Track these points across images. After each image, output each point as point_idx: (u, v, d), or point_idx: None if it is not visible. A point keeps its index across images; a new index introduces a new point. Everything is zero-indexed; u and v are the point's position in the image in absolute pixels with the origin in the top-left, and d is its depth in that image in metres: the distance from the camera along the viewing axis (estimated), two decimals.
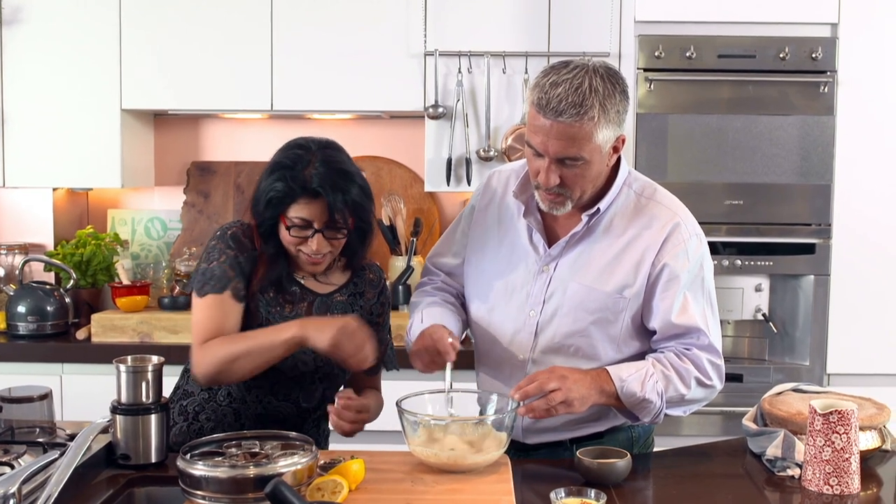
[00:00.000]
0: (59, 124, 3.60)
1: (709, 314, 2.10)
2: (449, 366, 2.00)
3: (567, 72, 1.93)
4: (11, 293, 3.52)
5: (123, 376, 1.98)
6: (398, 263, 3.72)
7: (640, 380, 2.01)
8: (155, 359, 2.02)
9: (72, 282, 3.55)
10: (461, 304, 2.27)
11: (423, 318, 2.14)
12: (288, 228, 2.02)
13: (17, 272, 3.60)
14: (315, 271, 2.12)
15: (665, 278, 2.05)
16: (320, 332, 1.92)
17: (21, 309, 3.46)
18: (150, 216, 3.98)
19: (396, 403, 1.93)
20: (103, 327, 3.40)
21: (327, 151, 2.05)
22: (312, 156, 2.03)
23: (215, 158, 4.00)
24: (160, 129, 4.01)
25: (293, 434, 1.86)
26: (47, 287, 3.55)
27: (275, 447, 1.82)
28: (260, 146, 3.97)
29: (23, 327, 3.46)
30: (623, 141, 2.02)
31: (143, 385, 1.98)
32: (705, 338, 2.07)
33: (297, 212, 2.01)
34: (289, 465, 1.70)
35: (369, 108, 3.60)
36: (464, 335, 2.22)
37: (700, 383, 2.07)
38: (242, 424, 2.14)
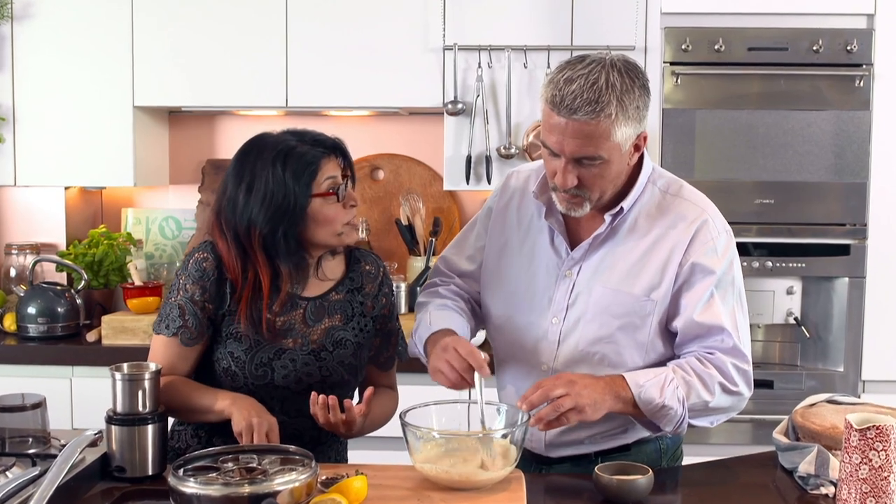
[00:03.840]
0: (70, 122, 3.54)
1: (739, 315, 1.99)
2: (480, 381, 1.88)
3: (582, 67, 1.84)
4: (22, 294, 3.46)
5: (119, 384, 1.90)
6: (416, 264, 3.63)
7: (660, 385, 1.89)
8: (153, 366, 1.94)
9: (83, 282, 3.48)
10: (471, 309, 2.17)
11: (433, 320, 2.04)
12: (335, 193, 1.97)
13: (27, 273, 3.54)
14: (353, 240, 2.04)
15: (693, 277, 1.95)
16: (237, 415, 1.90)
17: (31, 310, 3.40)
18: (165, 215, 3.91)
19: (400, 416, 1.82)
20: (114, 329, 3.33)
21: (285, 132, 2.04)
22: (271, 137, 2.01)
23: (230, 156, 3.87)
24: (175, 126, 3.94)
25: (292, 448, 1.77)
26: (58, 288, 3.49)
27: (273, 462, 1.72)
28: None
29: (33, 329, 3.40)
30: (645, 138, 1.93)
31: (140, 394, 1.90)
32: (730, 339, 1.96)
33: (325, 173, 1.97)
34: (286, 482, 1.60)
35: (386, 104, 3.51)
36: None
37: (725, 390, 1.95)
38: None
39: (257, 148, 2.01)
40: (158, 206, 3.96)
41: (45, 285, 3.49)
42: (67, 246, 3.69)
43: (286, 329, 2.02)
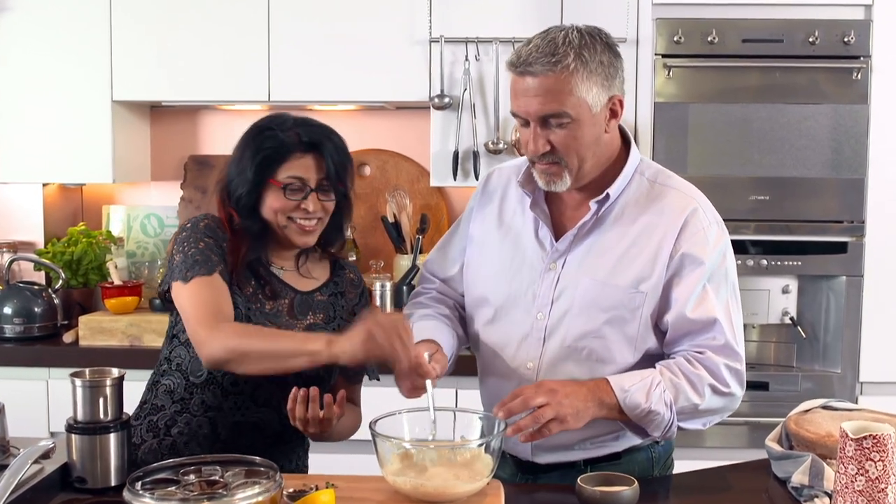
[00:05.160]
0: (48, 117, 3.46)
1: (733, 310, 1.92)
2: (430, 386, 1.81)
3: (543, 32, 1.86)
4: None
5: (79, 391, 1.83)
6: (403, 262, 3.55)
7: (646, 389, 1.82)
8: (115, 372, 1.86)
9: (61, 282, 3.40)
10: (458, 315, 2.10)
11: (414, 332, 1.96)
12: (283, 189, 1.97)
13: (3, 272, 3.45)
14: (306, 243, 2.04)
15: (683, 269, 1.88)
16: (349, 342, 1.78)
17: (7, 310, 3.32)
18: (147, 212, 3.82)
19: (370, 426, 1.73)
20: (91, 330, 3.25)
21: (301, 117, 2.05)
22: (289, 118, 2.03)
23: (213, 152, 3.85)
24: (157, 121, 3.86)
25: (258, 459, 1.68)
26: (35, 287, 3.41)
27: (237, 474, 1.64)
28: None
29: (9, 329, 3.32)
30: (621, 103, 1.88)
31: (101, 401, 1.82)
32: (722, 336, 1.88)
33: (289, 170, 1.98)
34: (247, 497, 1.52)
35: (371, 98, 3.44)
36: (457, 351, 2.04)
37: (716, 391, 1.87)
38: (218, 435, 2.00)
39: (254, 124, 2.07)
40: (140, 202, 3.87)
41: (21, 285, 3.42)
42: (46, 244, 3.60)
43: (273, 315, 2.01)
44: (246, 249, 2.01)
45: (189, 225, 2.03)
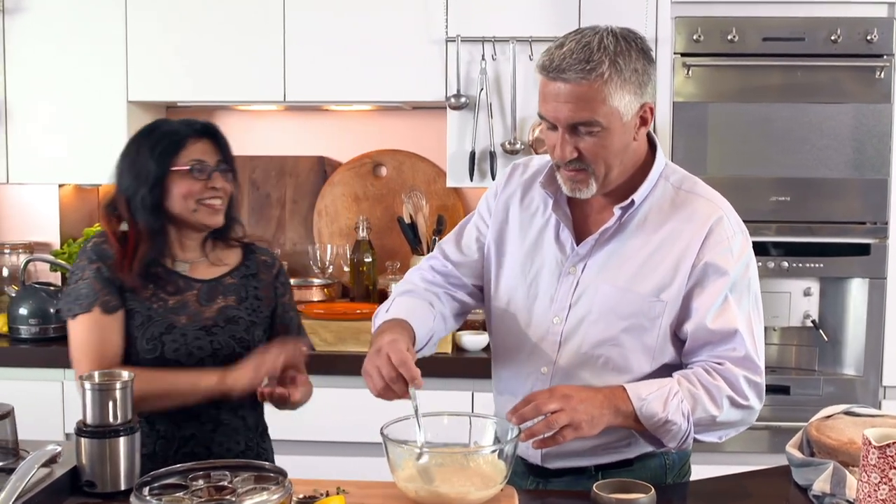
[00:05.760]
0: (64, 117, 3.46)
1: (755, 322, 1.87)
2: (415, 393, 1.73)
3: (575, 33, 1.79)
4: (13, 294, 3.37)
5: (88, 394, 1.80)
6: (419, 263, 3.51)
7: (663, 399, 1.78)
8: (125, 374, 1.84)
9: None
10: (454, 299, 2.06)
11: (391, 307, 1.96)
12: (190, 171, 2.07)
13: (20, 273, 3.45)
14: (217, 222, 2.13)
15: (706, 278, 1.83)
16: (239, 375, 2.02)
17: (23, 311, 3.31)
18: None
19: (381, 431, 1.69)
20: None
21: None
22: (170, 119, 2.19)
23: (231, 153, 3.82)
24: None
25: (268, 465, 1.66)
26: (51, 288, 3.40)
27: (246, 479, 1.62)
28: (275, 140, 3.83)
29: (24, 330, 3.31)
30: (651, 111, 1.83)
31: (111, 404, 1.80)
32: (742, 348, 1.84)
33: (189, 155, 2.08)
34: (256, 503, 1.49)
35: (387, 98, 3.41)
36: (436, 334, 1.98)
37: (734, 403, 1.83)
38: (158, 431, 2.10)
39: (145, 126, 2.18)
40: None
41: (37, 286, 3.40)
42: (62, 245, 3.61)
43: (178, 307, 2.10)
44: (145, 251, 2.10)
45: (81, 249, 2.14)
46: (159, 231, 2.11)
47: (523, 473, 1.99)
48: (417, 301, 1.99)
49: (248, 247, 2.26)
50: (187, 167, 2.07)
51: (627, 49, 1.76)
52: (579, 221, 1.94)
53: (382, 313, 1.96)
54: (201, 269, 2.17)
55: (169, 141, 2.08)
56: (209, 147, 2.12)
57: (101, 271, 2.08)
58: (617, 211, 1.86)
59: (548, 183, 1.93)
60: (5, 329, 3.37)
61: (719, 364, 1.84)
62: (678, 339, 1.89)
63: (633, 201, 1.85)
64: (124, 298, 2.09)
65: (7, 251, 3.57)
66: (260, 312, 2.19)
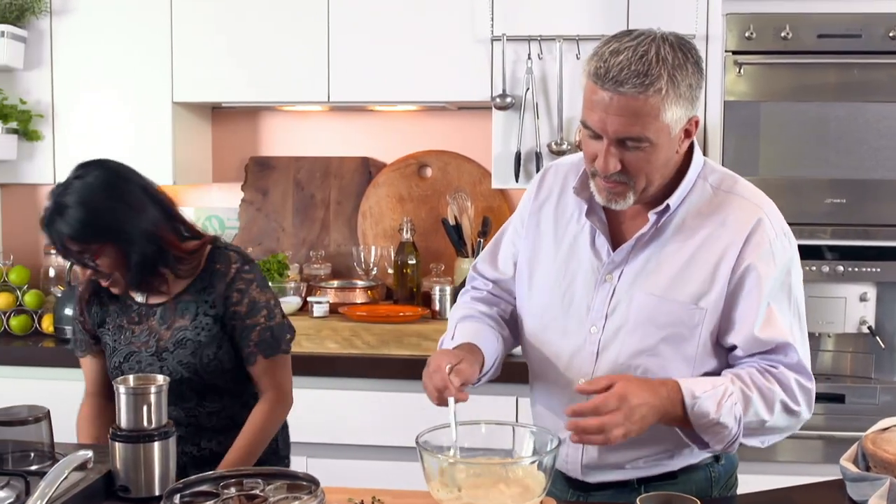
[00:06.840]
0: (109, 118, 3.46)
1: (796, 329, 1.80)
2: (452, 403, 1.70)
3: (630, 39, 1.67)
4: (59, 295, 3.38)
5: (123, 398, 1.80)
6: (464, 266, 3.47)
7: (717, 399, 1.69)
8: (160, 379, 1.82)
9: None
10: (507, 317, 2.01)
11: (456, 333, 1.90)
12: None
13: (65, 272, 3.46)
14: (121, 293, 2.19)
15: (748, 283, 1.75)
16: None
17: (68, 312, 3.32)
18: (208, 214, 3.82)
19: (416, 440, 1.65)
20: None
21: (70, 182, 2.10)
22: (53, 194, 2.10)
23: (274, 153, 3.83)
24: (218, 122, 3.85)
25: (301, 473, 1.63)
26: None
27: (279, 488, 1.59)
28: (320, 140, 3.81)
29: (69, 331, 3.31)
30: (697, 124, 1.75)
31: (145, 409, 1.79)
32: (794, 355, 1.77)
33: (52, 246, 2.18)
34: None
35: (431, 98, 3.36)
36: (503, 353, 1.95)
37: (786, 409, 1.76)
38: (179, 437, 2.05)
39: None
40: (202, 204, 3.87)
41: None
42: None
43: (141, 334, 2.19)
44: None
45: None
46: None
47: (563, 488, 1.93)
48: (479, 325, 1.95)
49: (212, 252, 2.21)
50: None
51: (684, 62, 1.67)
52: (614, 227, 1.88)
53: (448, 341, 1.92)
54: (155, 297, 2.21)
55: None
56: (61, 234, 2.08)
57: (75, 315, 2.27)
58: (652, 216, 1.79)
59: (581, 189, 1.85)
60: (51, 329, 3.39)
61: (773, 367, 1.77)
62: (720, 348, 1.82)
63: (668, 206, 1.79)
64: (98, 335, 2.26)
65: (54, 252, 3.57)
66: (207, 330, 2.16)
